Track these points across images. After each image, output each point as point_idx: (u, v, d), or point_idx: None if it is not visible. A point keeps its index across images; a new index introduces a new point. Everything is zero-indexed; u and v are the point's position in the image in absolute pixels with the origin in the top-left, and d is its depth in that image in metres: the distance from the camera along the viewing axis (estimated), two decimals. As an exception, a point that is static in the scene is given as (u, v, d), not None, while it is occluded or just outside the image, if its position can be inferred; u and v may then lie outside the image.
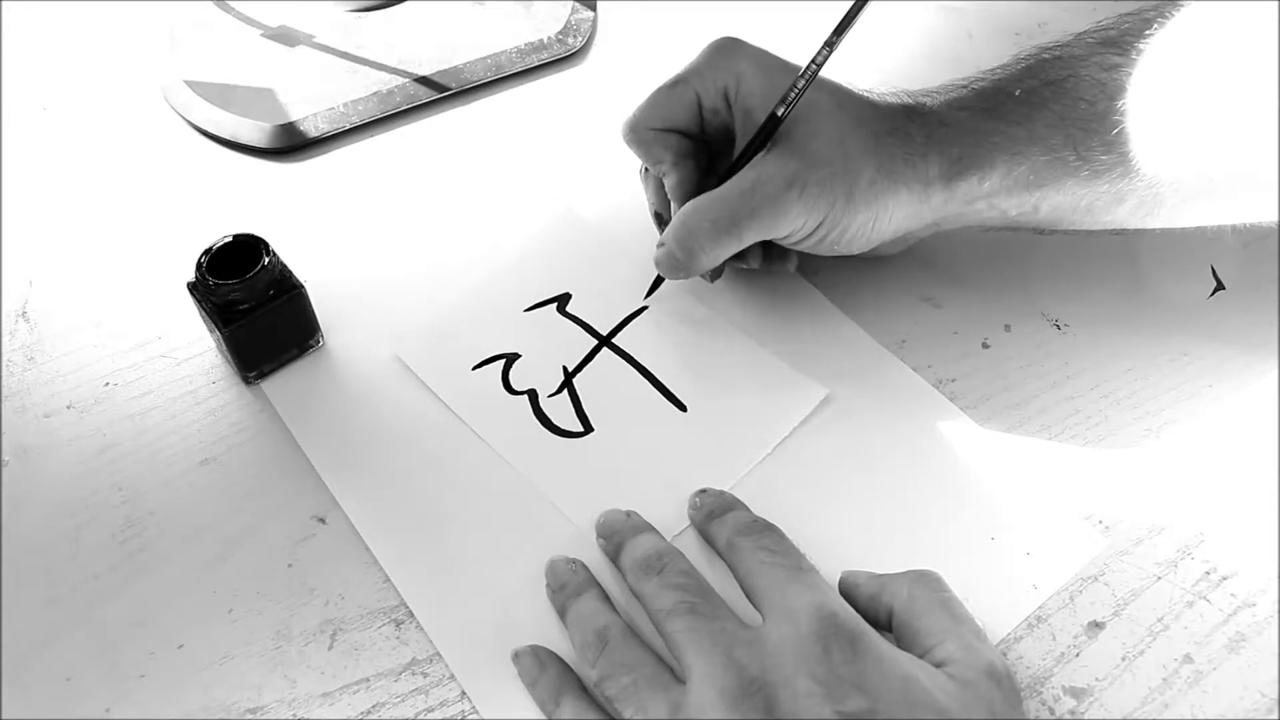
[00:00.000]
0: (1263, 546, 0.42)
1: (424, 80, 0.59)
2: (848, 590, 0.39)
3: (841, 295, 0.50)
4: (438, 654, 0.39)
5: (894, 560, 0.40)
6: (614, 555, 0.40)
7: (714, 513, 0.40)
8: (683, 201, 0.45)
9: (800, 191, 0.41)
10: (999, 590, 0.40)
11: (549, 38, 0.62)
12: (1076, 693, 0.38)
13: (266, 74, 0.59)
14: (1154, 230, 0.46)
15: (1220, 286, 0.50)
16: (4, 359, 0.47)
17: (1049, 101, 0.42)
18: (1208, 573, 0.41)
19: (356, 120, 0.57)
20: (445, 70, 0.59)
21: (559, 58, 0.61)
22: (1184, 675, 0.38)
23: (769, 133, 0.42)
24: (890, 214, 0.43)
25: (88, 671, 0.38)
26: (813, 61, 0.41)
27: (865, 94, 0.44)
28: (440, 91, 0.59)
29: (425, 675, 0.38)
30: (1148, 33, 0.42)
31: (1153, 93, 0.41)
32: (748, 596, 0.38)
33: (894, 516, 0.42)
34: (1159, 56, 0.41)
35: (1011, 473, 0.44)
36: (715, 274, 0.48)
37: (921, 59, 0.62)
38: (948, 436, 0.45)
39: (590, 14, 0.64)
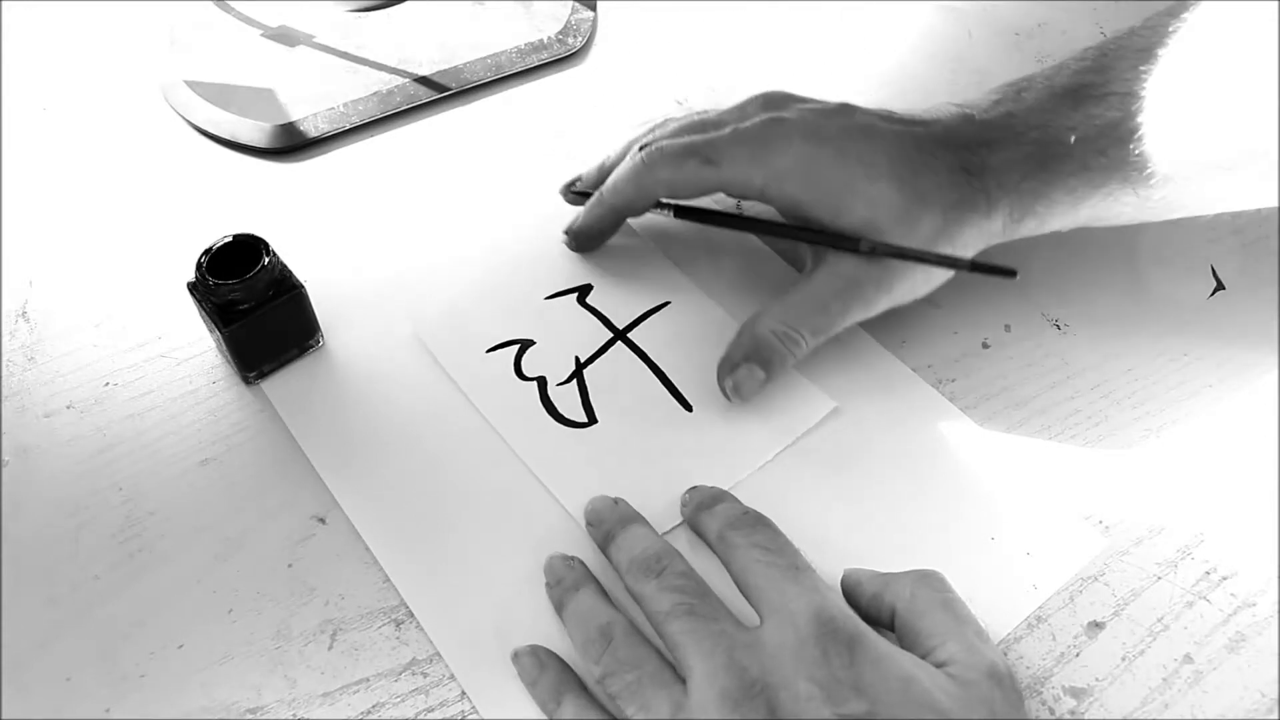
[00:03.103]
0: (1263, 546, 0.42)
1: (424, 80, 0.59)
2: (850, 589, 0.39)
3: (841, 295, 0.49)
4: (438, 654, 0.39)
5: (894, 560, 0.40)
6: (602, 544, 0.40)
7: (703, 504, 0.40)
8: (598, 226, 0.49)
9: (889, 292, 0.44)
10: (999, 590, 0.40)
11: (549, 38, 0.62)
12: (1076, 693, 0.38)
13: (266, 74, 0.59)
14: (1154, 230, 0.46)
15: (1220, 286, 0.50)
16: (4, 359, 0.47)
17: (1106, 149, 0.42)
18: (1208, 573, 0.41)
19: (356, 120, 0.57)
20: (445, 70, 0.59)
21: (559, 58, 0.61)
22: (1184, 675, 0.38)
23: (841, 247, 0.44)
24: (964, 246, 0.44)
25: (87, 671, 0.38)
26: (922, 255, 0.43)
27: (920, 153, 0.44)
28: (440, 91, 0.59)
29: (425, 675, 0.38)
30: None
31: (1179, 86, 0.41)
32: (743, 593, 0.37)
33: (894, 516, 0.42)
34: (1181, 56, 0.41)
35: (1011, 473, 0.44)
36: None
37: (922, 59, 0.62)
38: (947, 437, 0.45)
39: (590, 14, 0.64)
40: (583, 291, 0.49)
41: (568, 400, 0.45)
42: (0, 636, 0.39)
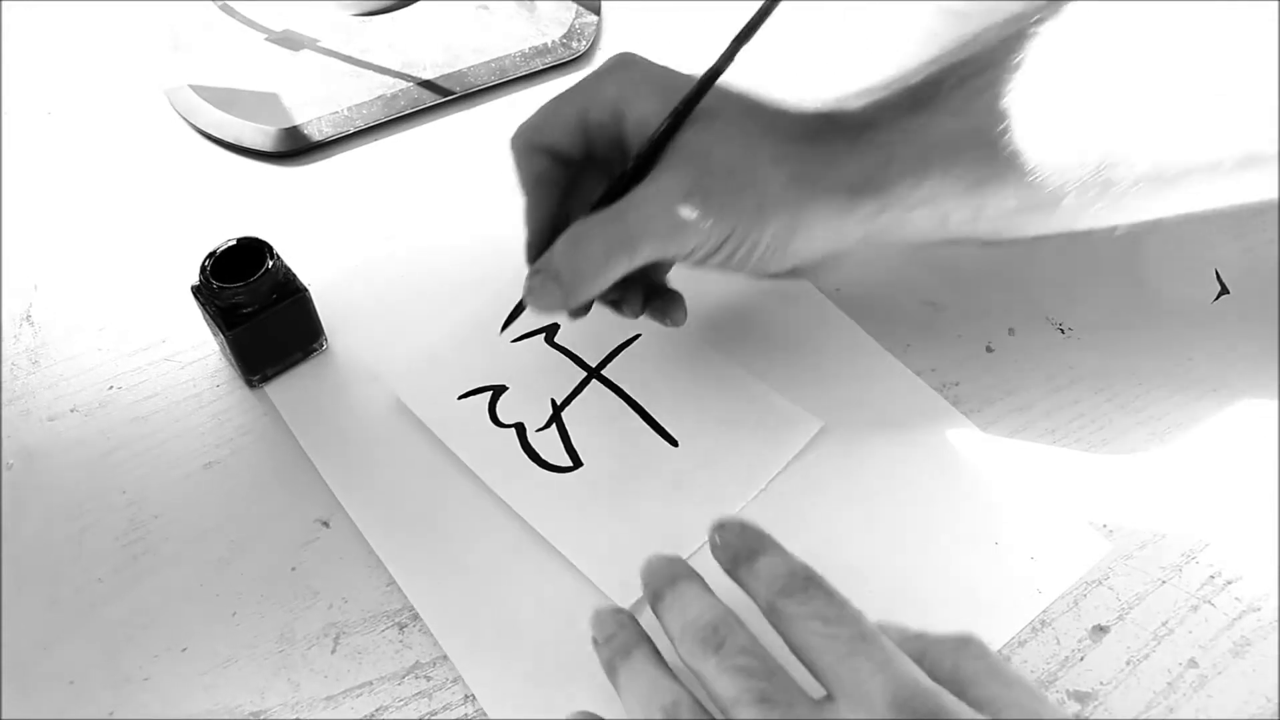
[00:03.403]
0: (1267, 551, 0.41)
1: (428, 84, 0.59)
2: None
3: (845, 298, 0.50)
4: (441, 657, 0.39)
5: (897, 564, 0.40)
6: (652, 603, 0.37)
7: (739, 556, 0.36)
8: (534, 227, 0.42)
9: (701, 201, 0.37)
10: (1003, 594, 0.40)
11: (553, 41, 0.62)
12: (1081, 697, 0.38)
13: (271, 78, 0.59)
14: (1157, 233, 0.46)
15: (1224, 290, 0.50)
16: (8, 362, 0.47)
17: (982, 90, 0.38)
18: (1212, 577, 0.41)
19: (360, 124, 0.57)
20: (449, 74, 0.59)
21: (563, 61, 0.62)
22: (1188, 679, 0.38)
23: (660, 144, 0.38)
24: (808, 228, 0.39)
25: (91, 674, 0.38)
26: (711, 68, 0.38)
27: (778, 102, 0.40)
28: (444, 95, 0.59)
29: (429, 679, 0.38)
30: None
31: (1094, 66, 0.37)
32: (805, 667, 0.34)
33: (897, 521, 0.42)
34: (1100, 35, 0.38)
35: (1015, 477, 0.44)
36: (584, 309, 0.43)
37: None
38: (951, 441, 0.45)
39: (594, 18, 0.64)
40: (550, 331, 0.48)
41: (550, 445, 0.44)
42: (2, 639, 0.39)
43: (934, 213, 0.40)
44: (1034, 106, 0.37)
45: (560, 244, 0.39)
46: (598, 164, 0.42)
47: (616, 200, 0.39)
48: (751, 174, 0.38)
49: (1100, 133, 0.37)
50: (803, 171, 0.38)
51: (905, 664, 0.33)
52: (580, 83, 0.41)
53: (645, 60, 0.41)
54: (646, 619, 0.37)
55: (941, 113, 0.38)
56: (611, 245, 0.38)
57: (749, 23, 0.37)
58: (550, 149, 0.41)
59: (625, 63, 0.41)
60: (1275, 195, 0.38)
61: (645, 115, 0.39)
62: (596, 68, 0.41)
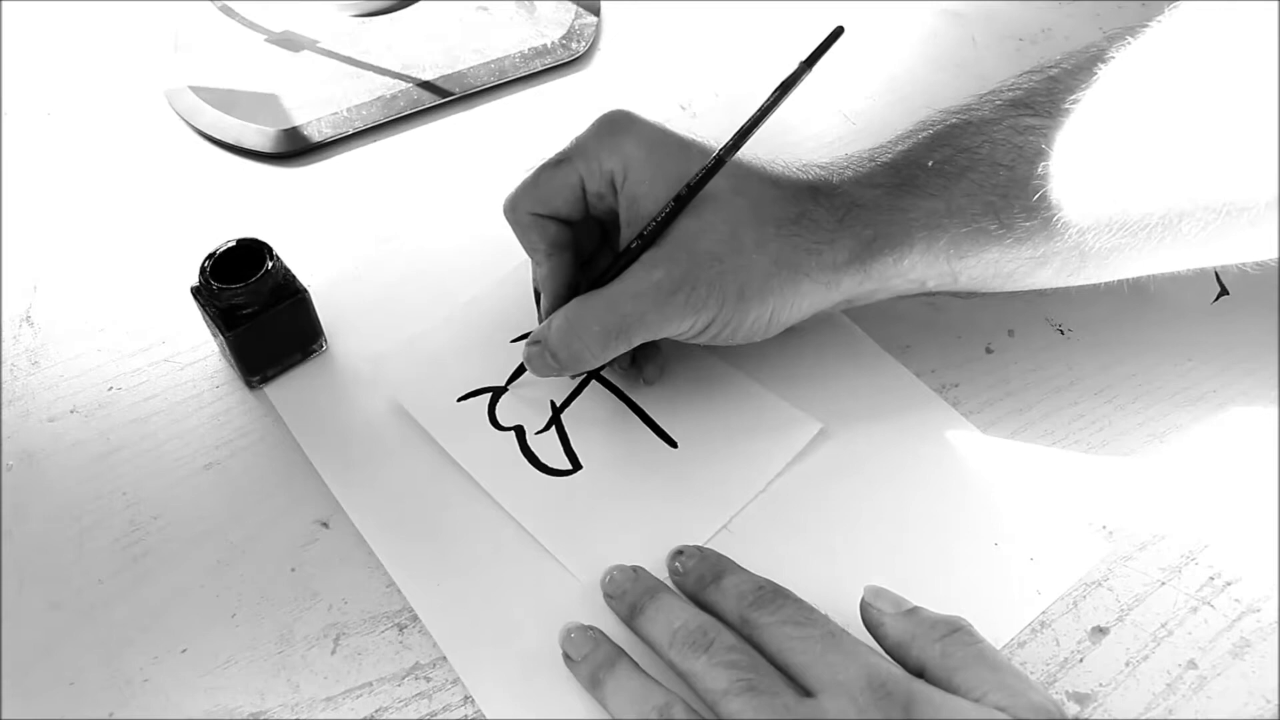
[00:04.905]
0: (1266, 552, 0.42)
1: (427, 85, 0.59)
2: (873, 627, 0.37)
3: (845, 300, 0.49)
4: (441, 658, 0.39)
5: (897, 565, 0.40)
6: (628, 616, 0.39)
7: (704, 578, 0.39)
8: (552, 294, 0.44)
9: (688, 295, 0.40)
10: (1002, 596, 0.40)
11: (552, 42, 0.62)
12: (1080, 698, 0.38)
13: (270, 79, 0.59)
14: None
15: (1224, 291, 0.50)
16: (8, 363, 0.47)
17: (966, 170, 0.41)
18: (1211, 578, 0.41)
19: (360, 125, 0.57)
20: (449, 75, 0.59)
21: (563, 62, 0.62)
22: (1188, 681, 0.38)
23: (662, 228, 0.40)
24: (790, 305, 0.41)
25: (91, 676, 0.38)
26: (715, 156, 0.40)
27: (769, 169, 0.42)
28: (444, 96, 0.59)
29: (429, 680, 0.38)
30: (1055, 91, 0.41)
31: (1074, 143, 0.40)
32: (784, 671, 0.36)
33: (897, 522, 0.42)
34: (1079, 111, 0.40)
35: (1015, 478, 0.44)
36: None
37: (924, 64, 0.62)
38: (950, 442, 0.45)
39: (594, 19, 0.64)
40: None
41: (549, 448, 0.44)
42: (3, 640, 0.39)
43: (914, 280, 0.43)
44: (1008, 189, 0.40)
45: (558, 325, 0.41)
46: (590, 222, 0.44)
47: (614, 275, 0.41)
48: (735, 260, 0.40)
49: (1072, 208, 0.40)
50: (788, 257, 0.41)
51: (875, 656, 0.35)
52: (576, 146, 0.43)
53: (639, 122, 0.42)
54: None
55: (922, 194, 0.41)
56: (607, 334, 0.40)
57: (753, 117, 0.40)
58: (555, 216, 0.43)
59: (619, 127, 0.42)
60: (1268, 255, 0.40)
61: (638, 194, 0.41)
62: (590, 127, 0.43)
